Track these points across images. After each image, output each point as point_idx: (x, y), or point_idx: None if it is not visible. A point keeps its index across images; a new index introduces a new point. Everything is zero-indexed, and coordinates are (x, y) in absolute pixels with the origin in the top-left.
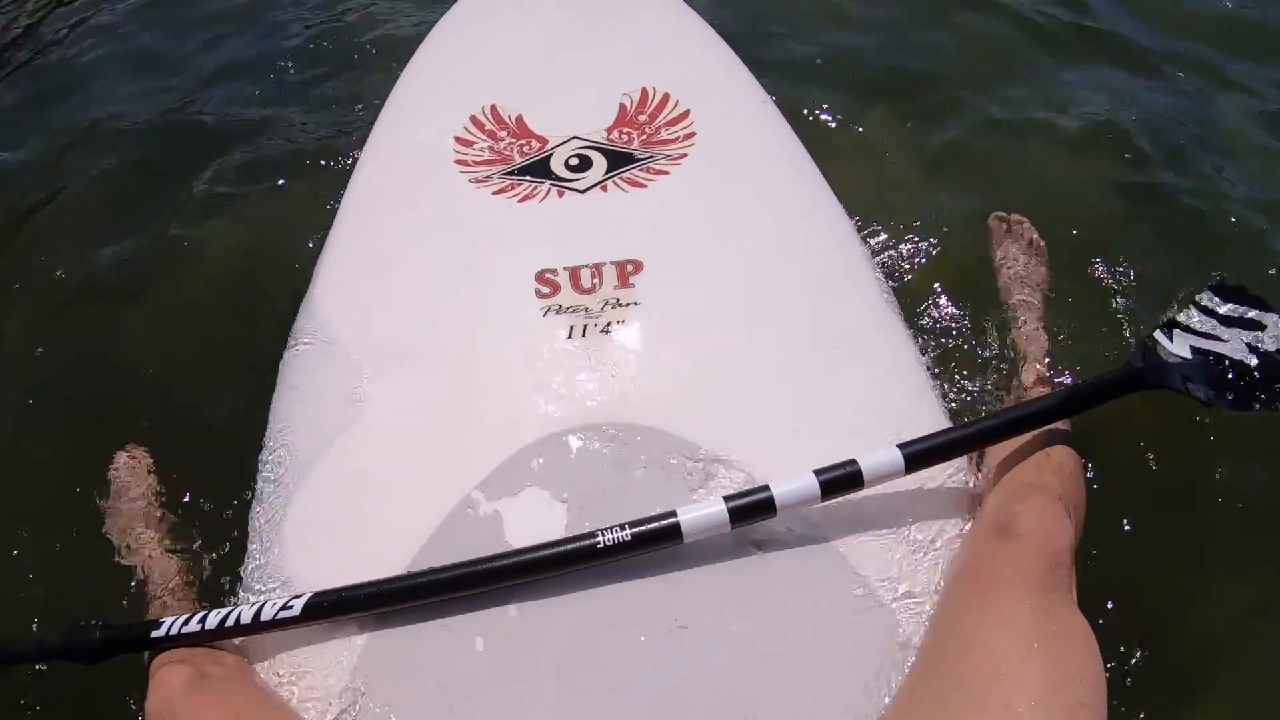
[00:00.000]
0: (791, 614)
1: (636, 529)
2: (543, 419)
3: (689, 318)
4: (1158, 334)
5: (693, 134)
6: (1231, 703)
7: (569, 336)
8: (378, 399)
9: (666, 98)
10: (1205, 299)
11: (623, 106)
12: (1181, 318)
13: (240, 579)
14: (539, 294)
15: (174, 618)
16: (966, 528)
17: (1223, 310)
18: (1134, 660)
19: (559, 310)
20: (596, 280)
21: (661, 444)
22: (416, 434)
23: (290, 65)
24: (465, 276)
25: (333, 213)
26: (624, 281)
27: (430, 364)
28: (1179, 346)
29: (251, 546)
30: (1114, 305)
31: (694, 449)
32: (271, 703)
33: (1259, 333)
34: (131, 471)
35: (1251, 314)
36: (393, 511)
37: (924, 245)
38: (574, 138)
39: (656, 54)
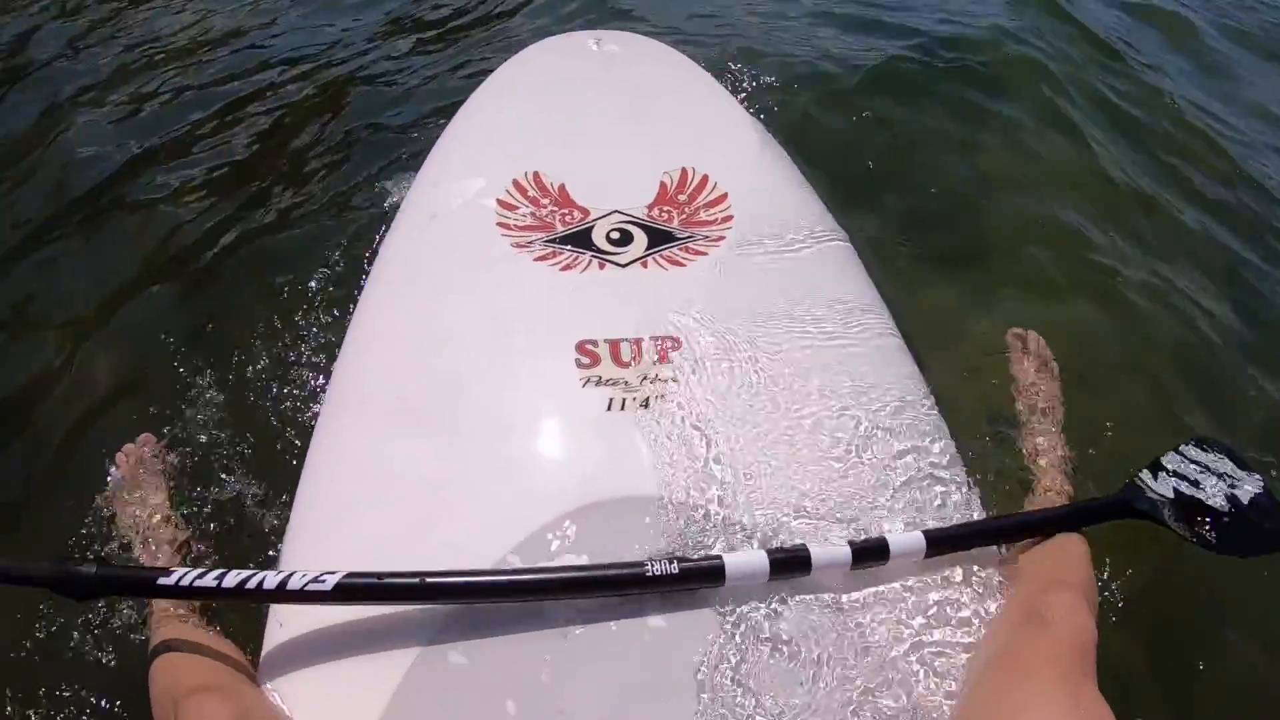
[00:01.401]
0: (813, 676)
1: (684, 563)
2: (580, 487)
3: (725, 396)
4: (1144, 473)
5: (730, 217)
6: None
7: (608, 408)
8: (411, 460)
9: (705, 179)
10: (1191, 450)
11: (663, 185)
12: (1167, 461)
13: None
14: (579, 364)
15: (188, 569)
16: (989, 610)
17: (1204, 461)
18: None
19: (599, 382)
20: (636, 355)
21: (696, 518)
22: (452, 496)
23: (337, 109)
24: (505, 340)
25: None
26: (663, 357)
27: (467, 426)
28: (1163, 486)
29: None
30: (1119, 423)
31: (728, 524)
32: None
33: (1236, 487)
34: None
35: (1229, 468)
36: (431, 673)
37: (956, 349)
38: (616, 211)
39: (696, 135)
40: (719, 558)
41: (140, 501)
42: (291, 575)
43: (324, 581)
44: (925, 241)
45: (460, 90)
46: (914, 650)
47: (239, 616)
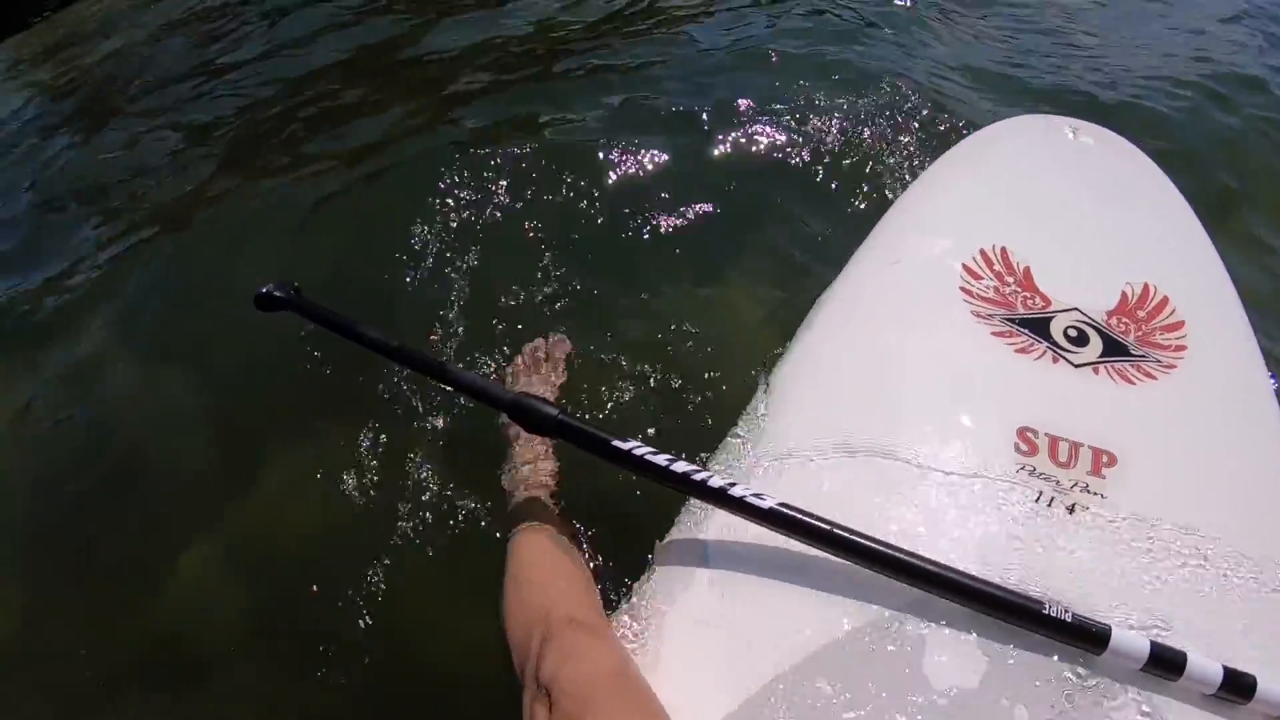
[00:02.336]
0: None
1: (1078, 617)
2: (991, 567)
3: (1153, 527)
4: None
5: (1184, 347)
6: None
7: (1036, 500)
8: (833, 481)
9: (1165, 301)
10: None
11: (1124, 294)
12: None
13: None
14: (1018, 449)
15: (640, 444)
16: None
17: None
18: None
19: (1032, 472)
20: (1072, 458)
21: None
22: (867, 525)
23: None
24: (949, 399)
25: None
26: (1096, 469)
27: (892, 464)
28: None
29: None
30: None
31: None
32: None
33: None
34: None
35: None
36: (811, 614)
37: None
38: (1076, 309)
39: (1161, 252)
40: (1108, 626)
41: (536, 379)
42: (734, 484)
43: (763, 499)
44: None
45: (919, 150)
46: None
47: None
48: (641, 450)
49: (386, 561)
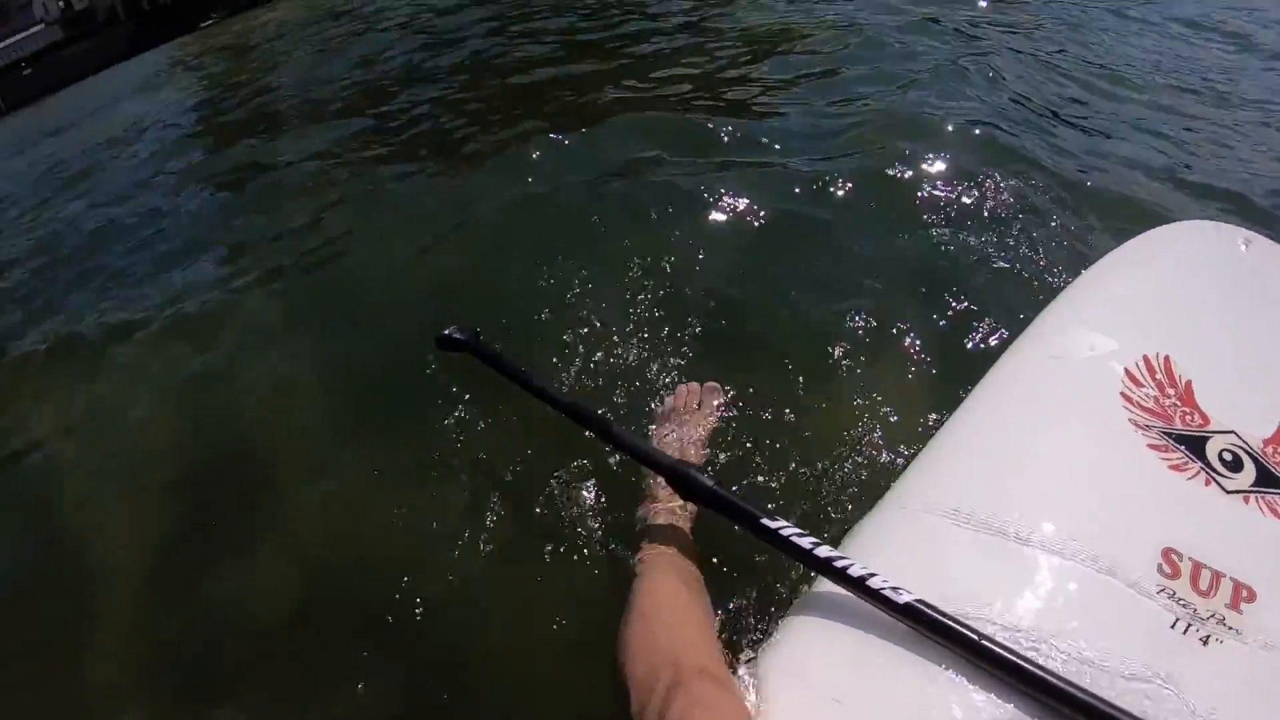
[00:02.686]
0: None
1: None
2: (1106, 677)
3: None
4: None
5: None
6: None
7: (1172, 626)
8: (961, 565)
9: None
10: None
11: None
12: None
13: None
14: (1160, 570)
15: (788, 523)
16: None
17: None
18: None
19: (1171, 595)
20: (1213, 587)
21: None
22: (989, 612)
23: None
24: (1094, 504)
25: None
26: (1235, 603)
27: (1024, 554)
28: None
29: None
30: None
31: None
32: None
33: None
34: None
35: None
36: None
37: None
38: (1234, 433)
39: None
40: None
41: (687, 424)
42: (874, 575)
43: (899, 593)
44: None
45: (1079, 243)
46: None
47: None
48: (788, 530)
49: (463, 576)
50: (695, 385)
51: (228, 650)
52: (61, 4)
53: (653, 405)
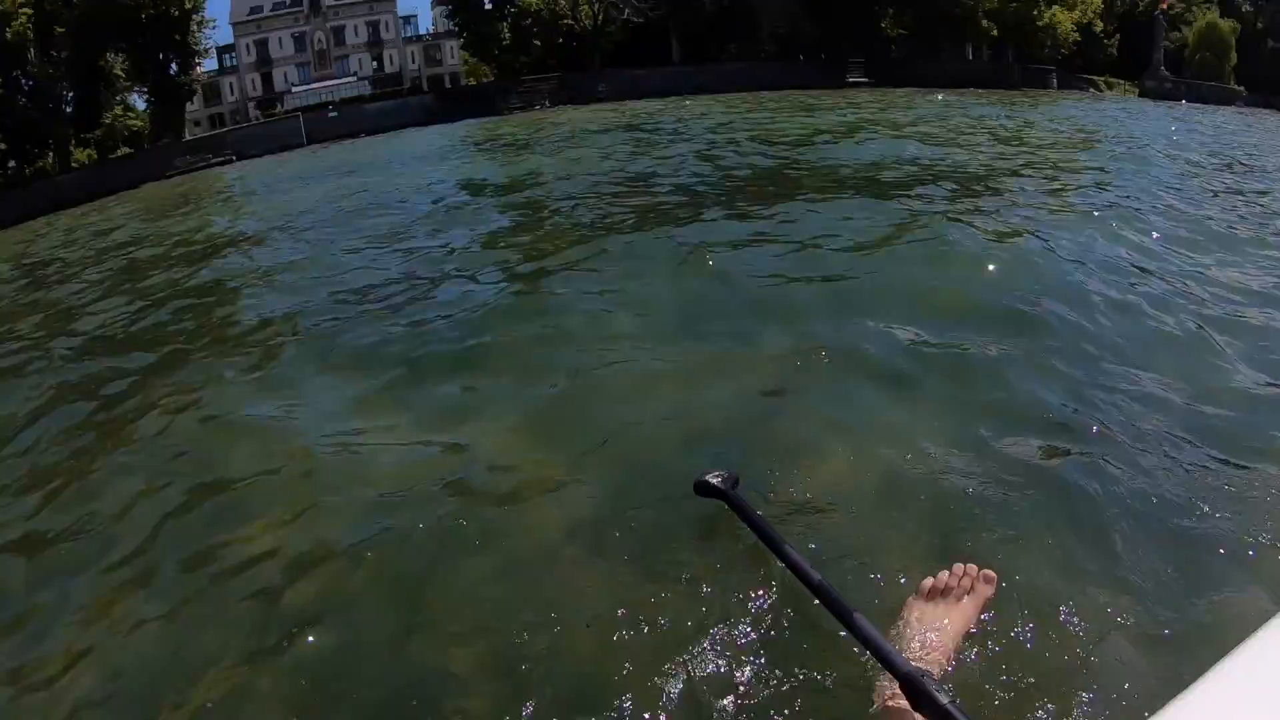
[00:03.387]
0: None
1: None
2: None
3: None
4: None
5: None
6: None
7: None
8: None
9: None
10: None
11: None
12: None
13: None
14: None
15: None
16: None
17: None
18: None
19: None
20: None
21: None
22: None
23: None
24: None
25: None
26: None
27: None
28: None
29: None
30: None
31: None
32: None
33: None
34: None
35: None
36: None
37: None
38: None
39: None
40: None
41: (950, 608)
42: None
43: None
44: None
45: None
46: None
47: None
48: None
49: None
50: (974, 567)
51: None
52: (375, 63)
53: (919, 573)
